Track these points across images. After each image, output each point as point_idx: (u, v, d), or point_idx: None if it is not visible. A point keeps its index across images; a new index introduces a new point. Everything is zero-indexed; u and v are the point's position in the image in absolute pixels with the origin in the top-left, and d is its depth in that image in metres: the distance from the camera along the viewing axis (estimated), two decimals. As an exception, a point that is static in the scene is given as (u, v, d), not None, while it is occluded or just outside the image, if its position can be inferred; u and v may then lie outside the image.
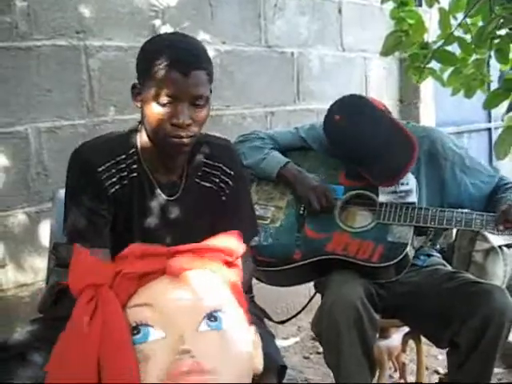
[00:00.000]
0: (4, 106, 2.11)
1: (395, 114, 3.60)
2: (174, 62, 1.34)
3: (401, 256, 1.78)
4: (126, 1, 2.37)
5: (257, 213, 2.00)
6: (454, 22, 2.44)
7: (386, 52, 2.58)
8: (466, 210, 1.83)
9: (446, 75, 2.65)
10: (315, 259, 1.88)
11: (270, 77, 2.90)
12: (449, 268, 2.05)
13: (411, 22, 2.53)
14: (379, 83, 3.47)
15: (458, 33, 2.46)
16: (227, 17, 2.71)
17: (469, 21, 2.34)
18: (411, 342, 2.16)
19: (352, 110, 1.86)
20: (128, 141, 1.49)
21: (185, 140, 1.39)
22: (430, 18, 2.80)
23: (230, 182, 1.59)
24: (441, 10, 2.44)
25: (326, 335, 1.77)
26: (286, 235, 1.96)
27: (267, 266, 1.94)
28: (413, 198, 1.87)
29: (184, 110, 1.36)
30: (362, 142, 1.80)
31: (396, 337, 2.18)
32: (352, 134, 1.81)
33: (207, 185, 1.57)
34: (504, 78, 1.91)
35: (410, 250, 1.82)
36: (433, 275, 1.93)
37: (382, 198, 1.88)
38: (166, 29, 2.49)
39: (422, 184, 1.94)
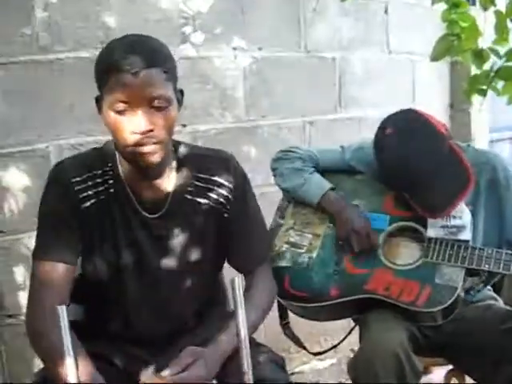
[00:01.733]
0: (24, 122, 1.99)
1: (445, 120, 3.37)
2: (120, 63, 1.21)
3: (450, 301, 1.58)
4: (154, 7, 2.21)
5: (292, 239, 1.85)
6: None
7: (436, 57, 2.36)
8: (527, 253, 1.61)
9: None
10: (354, 298, 1.70)
11: (309, 84, 2.71)
12: (502, 304, 1.85)
13: (464, 25, 2.32)
14: (428, 88, 3.23)
15: (517, 37, 2.23)
16: (263, 21, 2.53)
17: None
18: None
19: (405, 126, 1.66)
20: (105, 155, 1.38)
21: (148, 148, 1.26)
22: (485, 20, 2.57)
23: (231, 197, 1.44)
24: (497, 12, 2.21)
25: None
26: (323, 268, 1.78)
27: (300, 301, 1.78)
28: (466, 235, 1.66)
29: (140, 114, 1.23)
30: (410, 164, 1.60)
31: (438, 372, 2.00)
32: (401, 152, 1.61)
33: (202, 201, 1.42)
34: None
35: (460, 294, 1.62)
36: (486, 312, 1.75)
37: (430, 233, 1.68)
38: (198, 36, 2.33)
39: (479, 216, 1.73)
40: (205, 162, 1.44)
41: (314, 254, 1.81)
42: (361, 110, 2.88)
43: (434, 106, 3.27)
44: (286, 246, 1.85)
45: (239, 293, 0.87)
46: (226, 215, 1.44)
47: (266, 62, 2.55)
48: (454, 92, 3.39)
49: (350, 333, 1.95)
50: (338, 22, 2.81)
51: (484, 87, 2.08)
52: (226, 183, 1.44)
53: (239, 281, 0.87)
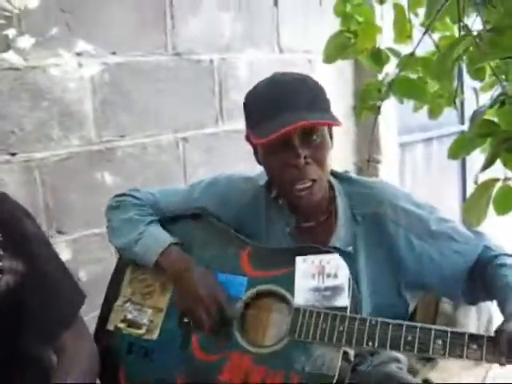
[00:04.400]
0: None
1: (349, 125, 3.01)
2: None
3: (325, 396, 1.19)
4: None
5: (129, 316, 1.43)
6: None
7: (328, 58, 1.96)
8: (420, 325, 1.22)
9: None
10: (203, 391, 1.29)
11: (180, 93, 2.26)
12: (405, 369, 1.50)
13: (361, 19, 1.93)
14: (329, 90, 2.83)
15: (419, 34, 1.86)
16: (116, 18, 2.06)
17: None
18: None
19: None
20: None
21: None
22: (382, 17, 2.19)
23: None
24: (396, 5, 1.83)
25: None
26: (166, 354, 1.37)
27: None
28: (343, 301, 1.26)
29: None
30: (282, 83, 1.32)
31: None
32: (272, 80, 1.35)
33: None
34: (476, 116, 1.29)
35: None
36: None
37: (298, 299, 1.28)
38: (25, 40, 1.84)
39: (360, 260, 1.36)
40: None
41: (155, 336, 1.38)
42: (248, 120, 2.45)
43: (337, 110, 2.89)
44: (122, 325, 1.42)
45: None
46: None
47: (122, 68, 2.08)
48: (358, 93, 3.01)
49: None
50: (215, 17, 2.36)
51: (377, 103, 1.69)
52: None
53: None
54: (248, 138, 1.36)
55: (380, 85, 1.56)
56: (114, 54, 2.06)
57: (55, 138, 1.93)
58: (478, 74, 1.74)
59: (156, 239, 1.41)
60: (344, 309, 1.25)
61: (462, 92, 1.99)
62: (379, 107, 1.53)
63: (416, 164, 3.56)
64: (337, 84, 2.92)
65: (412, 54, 1.47)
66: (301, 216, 1.40)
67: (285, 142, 1.26)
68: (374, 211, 1.37)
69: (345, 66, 2.94)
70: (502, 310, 1.23)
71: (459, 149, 1.33)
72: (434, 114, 2.08)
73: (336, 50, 1.93)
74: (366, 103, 1.57)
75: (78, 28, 1.95)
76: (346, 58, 1.98)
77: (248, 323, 1.33)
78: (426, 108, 2.06)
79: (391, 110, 3.19)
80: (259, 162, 1.38)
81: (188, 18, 2.27)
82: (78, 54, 1.97)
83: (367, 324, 1.22)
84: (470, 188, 3.83)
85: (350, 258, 1.34)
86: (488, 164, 1.22)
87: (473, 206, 1.36)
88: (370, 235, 1.37)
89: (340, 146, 2.81)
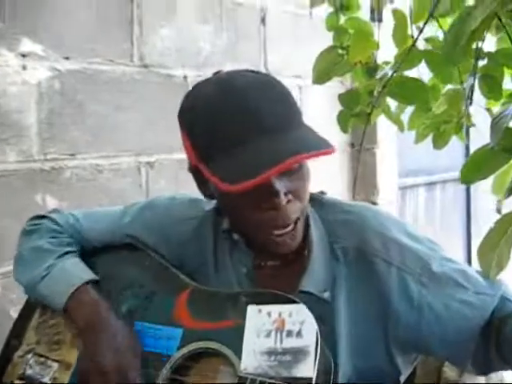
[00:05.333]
0: None
1: (345, 162, 2.71)
2: None
3: None
4: None
5: (29, 371, 1.09)
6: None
7: (318, 78, 1.68)
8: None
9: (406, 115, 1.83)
10: None
11: (147, 110, 1.96)
12: None
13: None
14: (321, 120, 2.54)
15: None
16: (73, 17, 1.78)
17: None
18: None
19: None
20: None
21: None
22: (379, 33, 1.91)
23: None
24: (396, 13, 1.55)
25: None
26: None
27: None
28: (307, 370, 0.91)
29: None
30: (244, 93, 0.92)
31: None
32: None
33: None
34: (498, 124, 0.97)
35: None
36: None
37: (246, 363, 0.93)
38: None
39: (339, 316, 1.02)
40: None
41: (56, 402, 1.04)
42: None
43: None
44: (19, 383, 1.08)
45: None
46: None
47: (76, 76, 1.79)
48: (356, 127, 2.72)
49: None
50: (191, 28, 2.09)
51: (367, 110, 1.38)
52: None
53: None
54: (194, 170, 0.99)
55: (373, 86, 1.26)
56: (67, 58, 1.77)
57: (-12, 151, 1.63)
58: (493, 90, 1.45)
59: (67, 276, 1.08)
60: (308, 380, 0.91)
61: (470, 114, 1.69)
62: (369, 114, 1.22)
63: (417, 209, 3.24)
64: (330, 115, 2.62)
65: (412, 46, 1.16)
66: (263, 253, 1.06)
67: None
68: (358, 245, 1.04)
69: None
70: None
71: (475, 170, 1.01)
72: (438, 142, 1.79)
73: (327, 67, 1.66)
74: (353, 108, 1.26)
75: (24, 24, 1.67)
76: (338, 74, 1.70)
77: (179, 393, 0.99)
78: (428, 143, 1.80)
79: (391, 150, 2.90)
80: (208, 196, 1.05)
81: (159, 25, 1.99)
82: (23, 55, 1.68)
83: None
84: (476, 238, 3.50)
85: (326, 308, 1.00)
86: (513, 189, 0.90)
87: (491, 248, 1.03)
88: (353, 277, 1.03)
89: (333, 184, 2.49)
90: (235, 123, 0.89)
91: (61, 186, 1.77)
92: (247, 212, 0.94)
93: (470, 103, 1.36)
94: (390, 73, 1.21)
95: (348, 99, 1.33)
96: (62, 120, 1.77)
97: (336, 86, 2.52)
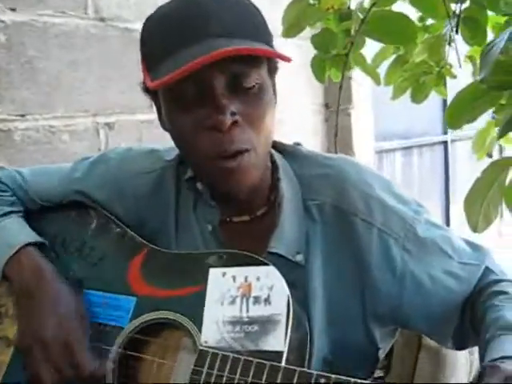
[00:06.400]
0: None
1: (318, 124, 2.59)
2: None
3: None
4: None
5: None
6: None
7: (288, 30, 1.56)
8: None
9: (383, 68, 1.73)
10: None
11: (104, 67, 1.81)
12: None
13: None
14: (293, 81, 2.41)
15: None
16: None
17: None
18: None
19: None
20: None
21: None
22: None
23: None
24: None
25: None
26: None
27: None
28: (277, 342, 0.80)
29: None
30: None
31: None
32: None
33: None
34: (490, 55, 0.84)
35: None
36: None
37: (208, 335, 0.82)
38: None
39: (314, 281, 0.91)
40: None
41: (-1, 381, 0.92)
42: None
43: (303, 107, 2.48)
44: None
45: None
46: None
47: (23, 29, 1.63)
48: (330, 87, 2.60)
49: None
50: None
51: (343, 51, 1.25)
52: None
53: None
54: (145, 87, 0.90)
55: (348, 25, 1.13)
56: (13, 10, 1.61)
57: None
58: (475, 34, 1.34)
59: (7, 238, 0.96)
60: (278, 354, 0.80)
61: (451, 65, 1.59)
62: (347, 55, 1.10)
63: (394, 173, 3.15)
64: (303, 76, 2.49)
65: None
66: (229, 207, 0.95)
67: (201, 91, 0.82)
68: (337, 202, 0.92)
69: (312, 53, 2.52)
70: (482, 355, 0.79)
71: (461, 111, 0.89)
72: (417, 96, 1.68)
73: (297, 17, 1.53)
74: (328, 51, 1.13)
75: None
76: (309, 23, 1.57)
77: (131, 374, 0.87)
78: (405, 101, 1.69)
79: (367, 110, 2.79)
80: (165, 128, 0.93)
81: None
82: (-39, 5, 1.52)
83: (312, 382, 0.77)
84: (454, 204, 3.44)
85: (298, 272, 0.90)
86: (509, 126, 0.79)
87: (477, 200, 0.92)
88: (329, 238, 0.92)
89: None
90: (179, 28, 0.82)
91: (10, 149, 1.62)
92: (190, 135, 0.84)
93: (449, 44, 1.25)
94: (366, 10, 1.09)
95: (322, 40, 1.20)
96: (10, 78, 1.61)
97: (309, 45, 2.40)
